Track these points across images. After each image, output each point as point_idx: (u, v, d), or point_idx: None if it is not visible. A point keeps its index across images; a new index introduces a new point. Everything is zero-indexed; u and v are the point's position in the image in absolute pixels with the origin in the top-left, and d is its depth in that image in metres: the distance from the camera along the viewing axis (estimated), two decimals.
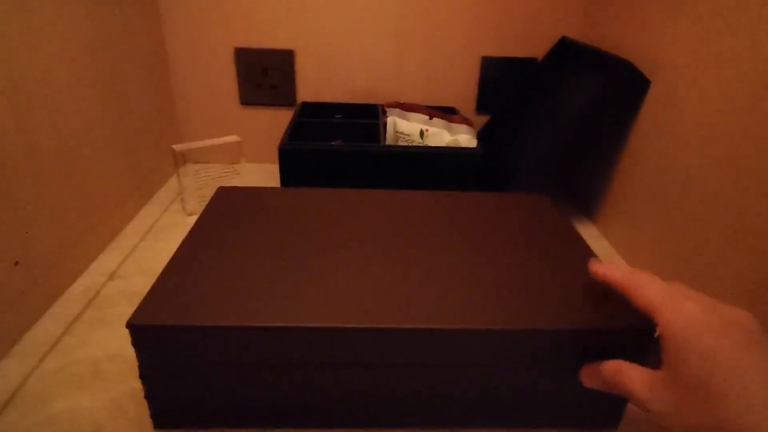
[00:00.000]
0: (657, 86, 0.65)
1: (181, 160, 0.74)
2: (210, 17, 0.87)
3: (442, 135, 0.78)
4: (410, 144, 0.80)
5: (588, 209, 0.82)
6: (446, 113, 0.84)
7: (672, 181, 0.61)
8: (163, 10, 0.86)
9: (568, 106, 0.76)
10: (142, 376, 0.38)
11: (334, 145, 0.72)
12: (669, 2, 0.64)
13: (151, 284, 0.40)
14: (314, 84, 0.93)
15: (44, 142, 0.55)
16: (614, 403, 0.42)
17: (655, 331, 0.37)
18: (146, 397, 0.39)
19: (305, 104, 0.91)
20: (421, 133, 0.79)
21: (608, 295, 0.40)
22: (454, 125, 0.78)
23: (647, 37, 0.68)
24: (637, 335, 0.37)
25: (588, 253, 0.47)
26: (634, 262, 0.68)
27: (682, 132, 0.59)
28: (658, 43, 0.65)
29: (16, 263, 0.50)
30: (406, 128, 0.80)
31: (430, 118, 0.81)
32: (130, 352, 0.37)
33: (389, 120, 0.80)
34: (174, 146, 0.74)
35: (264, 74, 0.92)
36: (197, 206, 0.78)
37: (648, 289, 0.32)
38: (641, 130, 0.68)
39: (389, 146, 0.75)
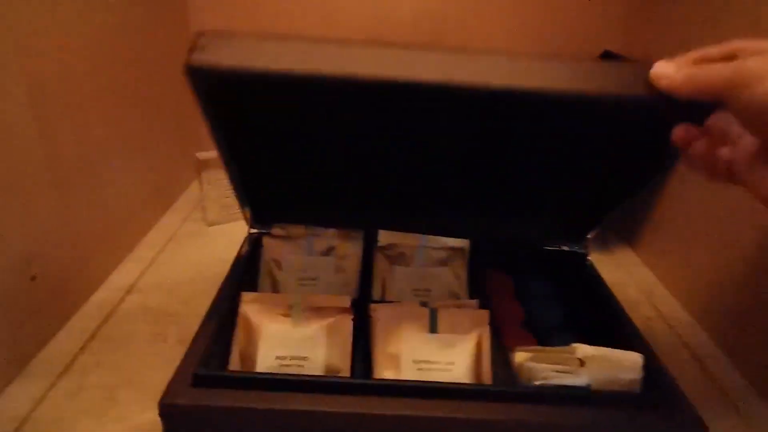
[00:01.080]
0: None
1: (203, 168, 0.72)
2: (238, 20, 0.85)
3: None
4: None
5: (628, 236, 0.78)
6: None
7: (719, 206, 0.57)
8: (190, 14, 0.84)
9: None
10: None
11: None
12: (716, 16, 0.60)
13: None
14: None
15: (66, 149, 0.52)
16: None
17: None
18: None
19: None
20: None
21: None
22: None
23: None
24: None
25: None
26: (678, 293, 0.64)
27: None
28: None
29: (33, 278, 0.48)
30: None
31: None
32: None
33: None
34: (198, 154, 0.71)
35: None
36: (218, 215, 0.75)
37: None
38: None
39: None
